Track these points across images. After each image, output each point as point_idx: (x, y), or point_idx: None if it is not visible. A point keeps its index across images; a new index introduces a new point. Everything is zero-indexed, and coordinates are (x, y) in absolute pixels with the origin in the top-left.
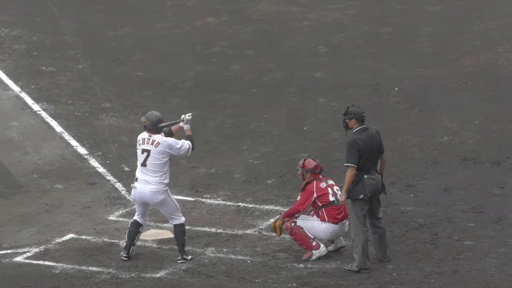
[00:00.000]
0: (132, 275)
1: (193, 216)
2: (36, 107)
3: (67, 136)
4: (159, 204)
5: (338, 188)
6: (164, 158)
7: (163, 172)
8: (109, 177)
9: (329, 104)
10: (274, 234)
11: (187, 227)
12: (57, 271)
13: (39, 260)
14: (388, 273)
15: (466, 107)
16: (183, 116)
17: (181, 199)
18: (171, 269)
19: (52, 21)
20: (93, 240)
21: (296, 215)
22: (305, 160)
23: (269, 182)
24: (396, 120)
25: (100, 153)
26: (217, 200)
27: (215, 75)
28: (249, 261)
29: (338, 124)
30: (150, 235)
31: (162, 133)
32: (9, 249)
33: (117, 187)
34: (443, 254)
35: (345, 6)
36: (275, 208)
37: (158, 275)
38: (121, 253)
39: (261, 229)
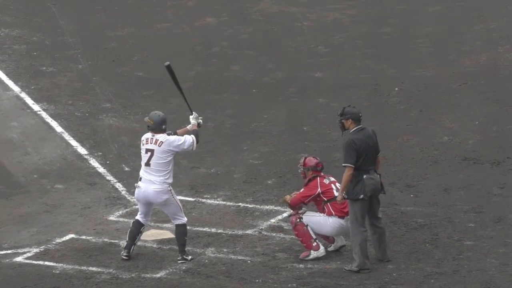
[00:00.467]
0: (132, 275)
1: (193, 217)
2: (36, 107)
3: (67, 136)
4: (162, 204)
5: (339, 185)
6: (168, 157)
7: (166, 172)
8: (109, 177)
9: (329, 104)
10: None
11: (187, 228)
12: (57, 271)
13: (39, 260)
14: (388, 273)
15: (466, 107)
16: (195, 113)
17: (181, 199)
18: (171, 269)
19: (52, 22)
20: (93, 240)
21: (301, 210)
22: (305, 158)
23: (269, 182)
24: (396, 120)
25: (100, 153)
26: (217, 201)
27: (215, 75)
28: (249, 261)
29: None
30: (150, 235)
31: (166, 133)
32: (9, 249)
33: (117, 187)
34: (443, 254)
35: (345, 6)
36: (275, 208)
37: (158, 275)
38: (122, 252)
39: (261, 229)
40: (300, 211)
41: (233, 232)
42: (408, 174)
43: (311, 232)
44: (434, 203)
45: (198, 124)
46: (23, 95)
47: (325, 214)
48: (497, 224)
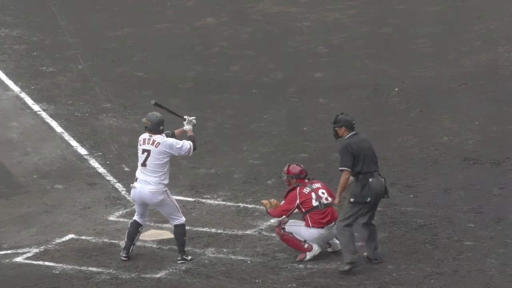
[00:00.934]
0: (132, 275)
1: (193, 217)
2: (36, 107)
3: (67, 137)
4: (158, 204)
5: (324, 191)
6: (164, 159)
7: (162, 173)
8: (109, 178)
9: (329, 105)
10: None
11: (187, 228)
12: (57, 272)
13: (39, 260)
14: (388, 274)
15: (466, 108)
16: (186, 116)
17: (181, 200)
18: (171, 270)
19: (52, 22)
20: (93, 240)
21: (283, 221)
22: (289, 166)
23: (269, 182)
24: (396, 120)
25: (100, 153)
26: (217, 201)
27: (215, 76)
28: (249, 262)
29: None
30: (150, 235)
31: (164, 134)
32: (9, 250)
33: (117, 187)
34: (443, 255)
35: (345, 7)
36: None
37: (158, 275)
38: (121, 253)
39: (261, 229)
40: (282, 222)
41: (233, 232)
42: (408, 174)
43: (298, 237)
44: (434, 203)
45: (193, 124)
46: (23, 95)
47: (304, 224)
48: (497, 224)
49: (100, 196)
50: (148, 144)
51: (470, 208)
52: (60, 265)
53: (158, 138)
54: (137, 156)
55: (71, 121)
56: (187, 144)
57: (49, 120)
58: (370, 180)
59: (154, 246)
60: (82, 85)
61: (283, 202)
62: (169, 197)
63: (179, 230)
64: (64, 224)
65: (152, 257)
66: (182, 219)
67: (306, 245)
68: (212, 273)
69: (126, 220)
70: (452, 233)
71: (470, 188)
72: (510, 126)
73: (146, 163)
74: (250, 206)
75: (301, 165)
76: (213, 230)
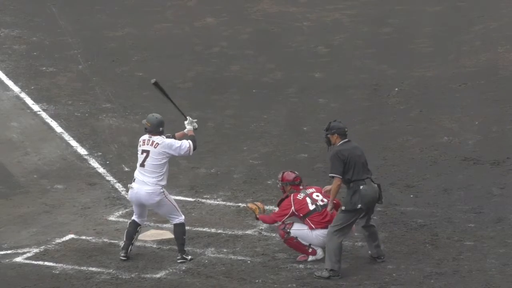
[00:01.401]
0: (132, 275)
1: (193, 217)
2: (36, 107)
3: (67, 137)
4: (155, 205)
5: (318, 194)
6: (163, 160)
7: (160, 174)
8: (109, 178)
9: (329, 105)
10: (248, 208)
11: (187, 228)
12: (57, 272)
13: (39, 260)
14: (388, 274)
15: (466, 108)
16: (189, 117)
17: (181, 200)
18: (171, 270)
19: (52, 22)
20: (93, 240)
21: (288, 222)
22: (283, 173)
23: (269, 182)
24: (396, 120)
25: (100, 153)
26: (217, 201)
27: (215, 76)
28: (249, 262)
29: None
30: (150, 235)
31: (163, 136)
32: (9, 250)
33: (117, 187)
34: (443, 255)
35: (345, 7)
36: (275, 208)
37: (158, 275)
38: (120, 253)
39: (261, 229)
40: (287, 224)
41: (233, 232)
42: (408, 174)
43: (302, 242)
44: (434, 203)
45: (194, 128)
46: (23, 95)
47: (308, 228)
48: (497, 224)
49: (100, 196)
50: (147, 145)
51: (470, 208)
52: (60, 265)
53: (157, 139)
54: (137, 156)
55: (71, 121)
56: (186, 143)
57: (49, 120)
58: (361, 187)
59: (154, 246)
60: (82, 85)
61: (277, 209)
62: (166, 198)
63: (179, 229)
64: (64, 224)
65: (152, 257)
66: (181, 218)
67: (310, 250)
68: (212, 273)
69: (126, 220)
70: (452, 233)
71: (470, 188)
72: (510, 126)
73: (145, 163)
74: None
75: (296, 172)
76: (213, 230)
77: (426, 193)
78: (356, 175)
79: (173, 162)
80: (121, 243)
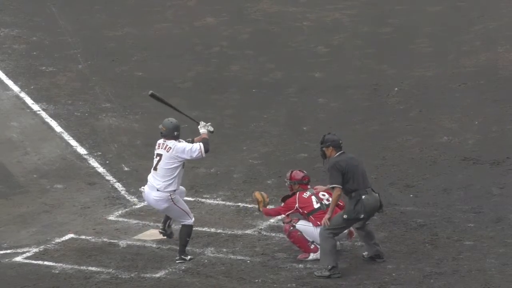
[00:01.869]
0: (132, 275)
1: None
2: (35, 107)
3: (66, 136)
4: (164, 210)
5: (324, 193)
6: (174, 164)
7: (170, 178)
8: (109, 177)
9: (329, 105)
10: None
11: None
12: (57, 271)
13: (38, 260)
14: (387, 274)
15: (466, 108)
16: (202, 121)
17: None
18: (170, 269)
19: (52, 21)
20: (93, 240)
21: (295, 219)
22: (292, 172)
23: (268, 182)
24: (396, 120)
25: (100, 153)
26: (217, 200)
27: (215, 75)
28: (248, 261)
29: (338, 125)
30: (150, 235)
31: (179, 140)
32: (9, 249)
33: (116, 187)
34: (443, 255)
35: (345, 6)
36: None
37: (157, 275)
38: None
39: (261, 229)
40: (293, 219)
41: (233, 232)
42: (407, 174)
43: (306, 236)
44: (434, 203)
45: (209, 131)
46: (23, 94)
47: (313, 225)
48: (496, 224)
49: (100, 195)
50: (161, 148)
51: (470, 208)
52: (59, 264)
53: (170, 143)
54: (137, 155)
55: (70, 120)
56: (197, 145)
57: (49, 119)
58: (363, 197)
59: (154, 246)
60: (82, 85)
61: (282, 204)
62: (175, 204)
63: (184, 230)
64: (63, 223)
65: (151, 257)
66: (190, 221)
67: (312, 246)
68: (211, 273)
69: (125, 219)
70: (451, 233)
71: (469, 188)
72: (510, 126)
73: (157, 167)
74: (249, 206)
75: (304, 171)
76: (213, 229)
77: (425, 193)
78: (356, 185)
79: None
80: (121, 243)
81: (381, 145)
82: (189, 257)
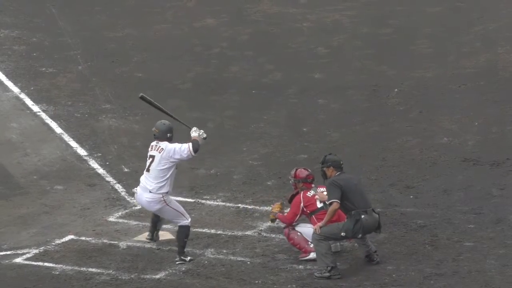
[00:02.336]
0: (132, 276)
1: (193, 218)
2: (35, 108)
3: (66, 137)
4: (157, 212)
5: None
6: (166, 165)
7: (163, 180)
8: (109, 178)
9: (329, 106)
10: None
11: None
12: (57, 272)
13: (38, 261)
14: (387, 275)
15: (466, 109)
16: (196, 128)
17: (180, 201)
18: (170, 271)
19: (52, 22)
20: (93, 241)
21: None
22: (296, 170)
23: (268, 183)
24: (396, 121)
25: (100, 154)
26: (217, 201)
27: (214, 76)
28: (248, 263)
29: (338, 125)
30: None
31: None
32: (9, 250)
33: (116, 188)
34: (443, 256)
35: (345, 8)
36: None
37: (157, 276)
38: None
39: (261, 230)
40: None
41: (233, 233)
42: (407, 175)
43: (305, 237)
44: (434, 204)
45: (200, 136)
46: (23, 96)
47: (312, 225)
48: (496, 225)
49: (100, 197)
50: (154, 150)
51: (470, 209)
52: (60, 266)
53: (162, 144)
54: (137, 156)
55: (70, 122)
56: (185, 145)
57: (49, 121)
58: (363, 217)
59: (154, 247)
60: (82, 86)
61: (289, 209)
62: (168, 205)
63: (181, 231)
64: (63, 225)
65: (152, 258)
66: (185, 221)
67: (312, 245)
68: (211, 274)
69: (125, 221)
70: (451, 234)
71: (469, 189)
72: (510, 127)
73: (150, 168)
74: (249, 207)
75: (309, 170)
76: (213, 231)
77: (426, 194)
78: (356, 204)
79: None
80: (122, 244)
81: (381, 146)
82: (189, 258)
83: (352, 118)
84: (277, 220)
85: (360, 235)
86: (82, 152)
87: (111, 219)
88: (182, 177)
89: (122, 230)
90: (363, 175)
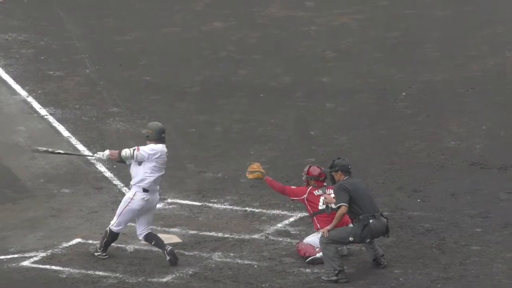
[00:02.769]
0: (139, 279)
1: (200, 221)
2: (43, 111)
3: (74, 141)
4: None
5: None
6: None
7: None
8: (116, 182)
9: (336, 109)
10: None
11: (193, 232)
12: (64, 276)
13: (46, 264)
14: (395, 278)
15: (474, 112)
16: (96, 154)
17: (188, 204)
18: (178, 274)
19: (60, 26)
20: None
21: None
22: (310, 167)
23: None
24: (404, 125)
25: None
26: (224, 205)
27: (222, 80)
28: (256, 266)
29: (345, 129)
30: None
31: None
32: (16, 254)
33: (124, 191)
34: (450, 259)
35: (353, 11)
36: (282, 212)
37: (165, 279)
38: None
39: (268, 233)
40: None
41: (240, 237)
42: (415, 178)
43: (312, 244)
44: (441, 208)
45: (104, 155)
46: (30, 99)
47: (314, 229)
48: (504, 229)
49: (107, 200)
50: None
51: (477, 212)
52: (67, 269)
53: None
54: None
55: (78, 125)
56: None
57: (56, 124)
58: (371, 221)
59: (161, 250)
60: (90, 89)
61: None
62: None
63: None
64: (71, 228)
65: (159, 261)
66: (112, 225)
67: (317, 249)
68: (219, 277)
69: (132, 224)
70: (459, 238)
71: (477, 193)
72: None
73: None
74: (257, 210)
75: (322, 168)
76: (220, 234)
77: (433, 197)
78: (364, 208)
79: (180, 167)
80: (129, 247)
81: (388, 150)
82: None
83: (360, 121)
84: (262, 180)
85: (368, 240)
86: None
87: None
88: (190, 180)
89: (129, 234)
90: (371, 178)
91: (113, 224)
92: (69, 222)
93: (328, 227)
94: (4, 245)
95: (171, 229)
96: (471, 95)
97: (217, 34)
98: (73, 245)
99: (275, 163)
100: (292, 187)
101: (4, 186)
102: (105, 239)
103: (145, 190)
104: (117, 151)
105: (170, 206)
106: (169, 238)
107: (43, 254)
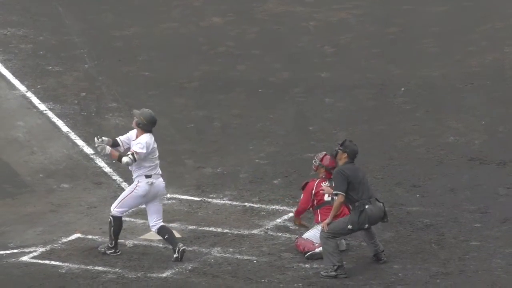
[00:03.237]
0: (138, 274)
1: (199, 216)
2: (42, 106)
3: (73, 136)
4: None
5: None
6: None
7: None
8: (115, 177)
9: (335, 104)
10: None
11: (192, 227)
12: (63, 271)
13: (45, 259)
14: (394, 273)
15: (472, 108)
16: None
17: (187, 199)
18: (177, 269)
19: (58, 21)
20: (99, 239)
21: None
22: (325, 155)
23: (275, 182)
24: (402, 120)
25: None
26: (223, 200)
27: (221, 75)
28: (255, 261)
29: (344, 124)
30: (156, 235)
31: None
32: (15, 249)
33: (123, 186)
34: (449, 255)
35: (352, 6)
36: (281, 208)
37: (164, 275)
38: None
39: (267, 229)
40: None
41: (239, 232)
42: (414, 174)
43: (311, 238)
44: (440, 203)
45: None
46: (29, 94)
47: (317, 225)
48: (503, 224)
49: (106, 195)
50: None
51: (476, 208)
52: (66, 264)
53: None
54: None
55: (77, 120)
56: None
57: (55, 119)
58: (367, 207)
59: (160, 245)
60: (88, 85)
61: (302, 196)
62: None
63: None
64: (70, 223)
65: (158, 257)
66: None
67: (317, 244)
68: (218, 273)
69: (132, 219)
70: (458, 233)
71: (476, 188)
72: None
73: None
74: (256, 205)
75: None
76: (219, 229)
77: (432, 193)
78: (361, 195)
79: (179, 162)
80: (128, 242)
81: (387, 145)
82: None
83: (359, 117)
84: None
85: (366, 226)
86: (88, 150)
87: None
88: (189, 175)
89: (128, 229)
90: (370, 174)
91: (114, 207)
92: (69, 217)
93: (327, 220)
94: (4, 240)
95: (170, 224)
96: (470, 90)
97: (216, 30)
98: (73, 240)
99: (274, 158)
100: (299, 200)
101: (3, 181)
102: (112, 228)
103: (148, 176)
104: (117, 154)
105: (169, 201)
106: None
107: (43, 249)
